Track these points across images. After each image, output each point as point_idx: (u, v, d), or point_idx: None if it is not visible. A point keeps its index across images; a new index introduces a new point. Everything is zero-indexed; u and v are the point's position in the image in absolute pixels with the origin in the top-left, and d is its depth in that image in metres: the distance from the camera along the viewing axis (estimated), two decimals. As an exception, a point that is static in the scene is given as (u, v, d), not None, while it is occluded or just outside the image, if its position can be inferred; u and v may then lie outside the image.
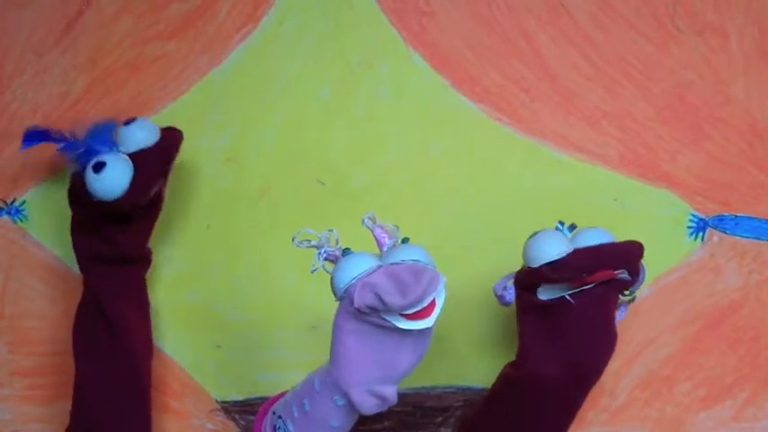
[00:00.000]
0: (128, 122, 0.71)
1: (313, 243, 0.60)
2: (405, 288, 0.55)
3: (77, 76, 0.79)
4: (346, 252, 0.59)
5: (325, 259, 0.60)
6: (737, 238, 0.77)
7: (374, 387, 0.60)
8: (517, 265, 0.76)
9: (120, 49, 0.79)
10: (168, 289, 0.80)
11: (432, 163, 0.78)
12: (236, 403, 0.80)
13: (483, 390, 0.76)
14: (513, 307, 0.74)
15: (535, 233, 0.66)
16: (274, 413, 0.65)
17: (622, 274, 0.64)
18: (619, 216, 0.77)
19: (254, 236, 0.79)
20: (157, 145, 0.72)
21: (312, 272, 0.60)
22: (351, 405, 0.60)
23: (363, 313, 0.57)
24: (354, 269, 0.58)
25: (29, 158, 0.79)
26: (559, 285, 0.65)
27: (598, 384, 0.77)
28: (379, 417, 0.78)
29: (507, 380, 0.69)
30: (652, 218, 0.77)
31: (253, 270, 0.79)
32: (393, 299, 0.55)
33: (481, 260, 0.78)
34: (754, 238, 0.77)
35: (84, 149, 0.70)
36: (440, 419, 0.79)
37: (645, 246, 0.76)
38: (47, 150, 0.74)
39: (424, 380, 0.79)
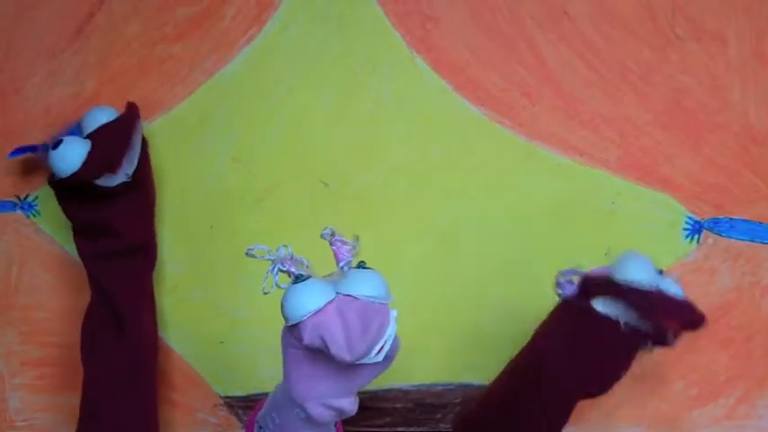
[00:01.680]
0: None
1: (267, 257, 0.57)
2: (352, 343, 0.53)
3: (88, 77, 0.79)
4: (299, 278, 0.56)
5: (283, 271, 0.57)
6: (732, 240, 0.77)
7: (329, 400, 0.58)
8: (515, 267, 0.78)
9: (129, 51, 0.79)
10: (173, 286, 0.80)
11: (433, 165, 0.78)
12: (239, 399, 0.81)
13: (481, 386, 0.77)
14: (511, 305, 0.76)
15: (628, 251, 0.64)
16: (257, 422, 0.65)
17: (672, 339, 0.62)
18: (616, 218, 0.78)
19: (258, 235, 0.79)
20: (112, 122, 0.73)
21: (264, 293, 0.57)
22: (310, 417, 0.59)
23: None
24: (305, 306, 0.55)
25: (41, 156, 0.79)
26: (620, 306, 0.62)
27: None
28: (380, 413, 0.79)
29: (520, 371, 0.68)
30: (649, 220, 0.78)
31: (256, 268, 0.77)
32: (339, 352, 0.53)
33: (481, 261, 0.78)
34: (748, 240, 0.77)
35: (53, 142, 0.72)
36: (439, 416, 0.80)
37: (641, 247, 0.77)
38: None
39: (424, 377, 0.79)
